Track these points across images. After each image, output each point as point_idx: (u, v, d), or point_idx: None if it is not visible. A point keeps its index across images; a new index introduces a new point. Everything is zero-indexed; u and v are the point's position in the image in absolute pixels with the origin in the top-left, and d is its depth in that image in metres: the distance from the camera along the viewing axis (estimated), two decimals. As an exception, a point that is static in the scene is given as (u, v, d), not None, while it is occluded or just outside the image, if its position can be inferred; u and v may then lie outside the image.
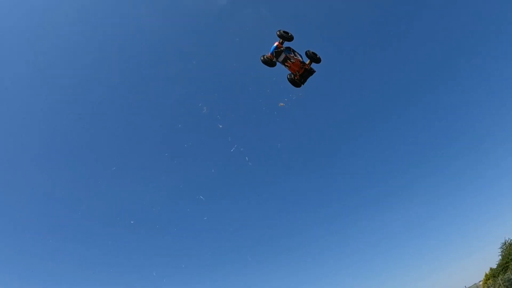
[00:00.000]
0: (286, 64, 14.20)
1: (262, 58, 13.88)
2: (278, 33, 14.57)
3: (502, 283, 68.81)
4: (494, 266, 75.98)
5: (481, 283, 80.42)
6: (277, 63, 14.71)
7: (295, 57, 13.99)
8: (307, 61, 14.31)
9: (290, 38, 13.82)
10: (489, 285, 72.36)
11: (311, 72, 13.65)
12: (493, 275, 73.38)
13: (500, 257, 76.49)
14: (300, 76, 13.90)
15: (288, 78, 13.37)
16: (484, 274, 77.76)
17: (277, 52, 13.95)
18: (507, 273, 68.59)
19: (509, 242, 75.94)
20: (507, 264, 70.68)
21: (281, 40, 14.40)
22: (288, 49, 14.42)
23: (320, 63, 14.13)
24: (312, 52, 14.24)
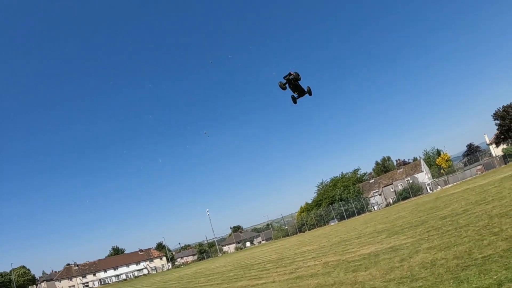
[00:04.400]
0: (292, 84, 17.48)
1: (279, 83, 16.20)
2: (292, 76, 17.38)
3: (314, 217, 76.98)
4: (310, 202, 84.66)
5: (296, 214, 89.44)
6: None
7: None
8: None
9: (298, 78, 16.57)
10: (303, 217, 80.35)
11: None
12: (307, 209, 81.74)
13: (315, 194, 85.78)
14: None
15: (279, 84, 15.85)
16: (299, 207, 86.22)
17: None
18: (319, 209, 76.81)
19: (325, 183, 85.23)
20: (320, 202, 79.64)
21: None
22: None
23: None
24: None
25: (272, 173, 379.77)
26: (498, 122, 66.39)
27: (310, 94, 18.89)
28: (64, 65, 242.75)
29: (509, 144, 63.92)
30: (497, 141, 67.65)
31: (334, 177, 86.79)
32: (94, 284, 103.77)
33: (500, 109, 65.83)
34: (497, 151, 69.46)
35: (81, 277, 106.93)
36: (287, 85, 18.21)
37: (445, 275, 10.21)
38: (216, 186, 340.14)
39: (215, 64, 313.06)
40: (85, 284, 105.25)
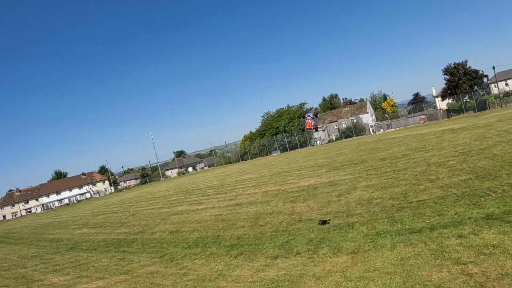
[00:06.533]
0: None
1: (305, 127, 17.11)
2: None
3: (257, 146, 78.46)
4: (254, 131, 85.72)
5: (239, 142, 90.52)
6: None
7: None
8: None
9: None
10: (246, 145, 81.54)
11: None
12: (250, 138, 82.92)
13: (260, 124, 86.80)
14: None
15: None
16: (243, 136, 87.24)
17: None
18: (263, 139, 78.22)
19: (271, 113, 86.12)
20: (264, 132, 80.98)
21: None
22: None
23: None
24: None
25: (218, 100, 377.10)
26: (447, 77, 69.08)
27: (317, 116, 21.77)
28: None
29: (454, 100, 67.40)
30: (443, 95, 70.85)
31: (280, 108, 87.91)
32: (37, 210, 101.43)
33: (451, 65, 68.25)
34: (442, 104, 73.17)
35: (23, 203, 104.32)
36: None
37: (380, 214, 10.73)
38: (161, 110, 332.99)
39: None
40: (28, 210, 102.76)
